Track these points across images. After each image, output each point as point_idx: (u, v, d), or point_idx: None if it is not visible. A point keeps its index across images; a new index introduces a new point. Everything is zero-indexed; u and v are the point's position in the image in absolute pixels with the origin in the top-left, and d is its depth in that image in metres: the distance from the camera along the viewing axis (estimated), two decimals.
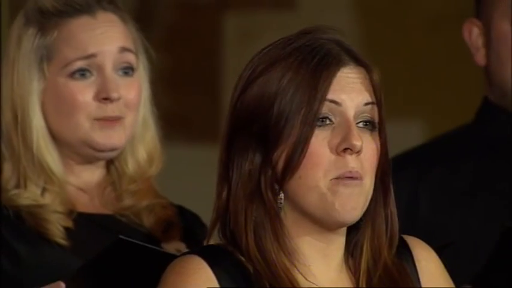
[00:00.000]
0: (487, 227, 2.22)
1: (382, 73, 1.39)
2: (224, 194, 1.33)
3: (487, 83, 2.41)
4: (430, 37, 3.89)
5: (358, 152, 1.29)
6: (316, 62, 1.30)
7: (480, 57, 2.39)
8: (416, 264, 1.38)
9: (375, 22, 4.00)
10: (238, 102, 1.33)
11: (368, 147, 1.31)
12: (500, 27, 2.33)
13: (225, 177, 1.33)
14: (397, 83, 3.58)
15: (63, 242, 1.88)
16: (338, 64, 1.31)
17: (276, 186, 1.31)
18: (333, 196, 1.29)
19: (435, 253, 1.42)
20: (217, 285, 1.27)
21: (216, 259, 1.29)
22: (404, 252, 1.38)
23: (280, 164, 1.30)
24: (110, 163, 2.01)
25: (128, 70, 1.97)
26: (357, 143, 1.28)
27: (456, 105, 3.65)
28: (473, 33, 2.39)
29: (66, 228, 1.90)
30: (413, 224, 2.27)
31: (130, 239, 1.70)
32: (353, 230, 1.35)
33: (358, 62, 1.34)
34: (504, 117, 2.37)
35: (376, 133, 1.33)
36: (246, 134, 1.31)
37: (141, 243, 1.74)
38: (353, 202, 1.29)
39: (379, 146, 1.33)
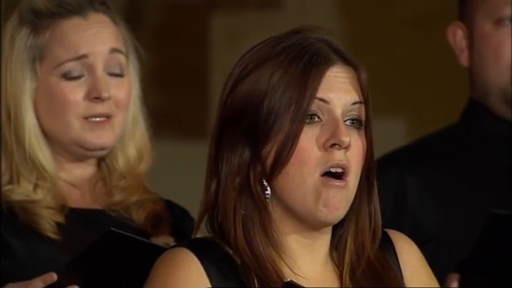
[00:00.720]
0: (471, 224, 2.21)
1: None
2: (213, 187, 1.33)
3: (471, 83, 2.43)
4: (413, 36, 3.91)
5: (347, 148, 1.29)
6: (305, 61, 1.31)
7: (464, 59, 2.40)
8: (399, 257, 1.39)
9: (358, 22, 4.01)
10: (229, 99, 1.33)
11: (355, 144, 1.31)
12: (483, 29, 2.34)
13: (214, 171, 1.33)
14: (379, 82, 3.59)
15: (54, 236, 1.89)
16: (327, 63, 1.32)
17: (264, 182, 1.31)
18: (317, 197, 1.29)
19: (417, 246, 1.42)
20: (206, 277, 1.27)
21: (204, 252, 1.29)
22: (387, 246, 1.39)
23: (269, 160, 1.30)
24: (100, 160, 2.02)
25: (118, 70, 1.98)
26: (345, 139, 1.29)
27: (438, 104, 3.66)
28: (457, 36, 2.40)
29: (58, 223, 1.90)
30: (401, 221, 2.29)
31: (121, 231, 1.70)
32: (338, 225, 1.35)
33: (346, 61, 1.34)
34: (488, 117, 2.38)
35: (362, 131, 1.34)
36: (236, 130, 1.32)
37: (132, 235, 1.75)
38: (336, 204, 1.30)
39: (365, 143, 1.34)
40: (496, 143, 2.39)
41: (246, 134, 1.31)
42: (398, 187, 2.36)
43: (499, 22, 2.33)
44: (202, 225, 1.35)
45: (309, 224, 1.32)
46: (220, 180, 1.32)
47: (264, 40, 1.36)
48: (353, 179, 1.31)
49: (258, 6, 4.02)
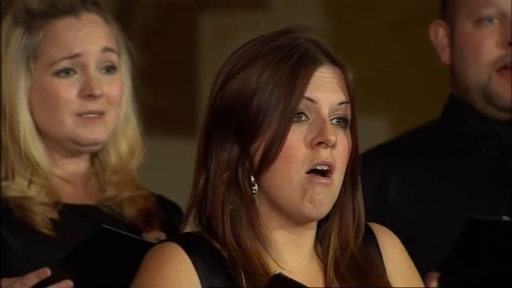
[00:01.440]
0: (451, 220, 2.23)
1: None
2: (201, 182, 1.33)
3: (452, 80, 2.43)
4: (396, 37, 3.92)
5: (333, 146, 1.30)
6: (294, 61, 1.31)
7: (446, 57, 2.40)
8: (381, 250, 1.39)
9: (343, 22, 4.01)
10: (218, 96, 1.33)
11: (341, 143, 1.32)
12: (463, 28, 2.35)
13: (203, 166, 1.33)
14: (364, 81, 3.60)
15: (48, 232, 1.88)
16: (315, 63, 1.32)
17: (252, 178, 1.31)
18: (303, 194, 1.29)
19: (399, 240, 1.43)
20: (194, 271, 1.27)
21: (192, 246, 1.29)
22: (370, 239, 1.39)
23: (257, 156, 1.30)
24: (93, 156, 2.01)
25: (110, 69, 1.98)
26: (332, 137, 1.29)
27: (421, 102, 3.68)
28: (439, 34, 2.40)
29: (52, 219, 1.90)
30: (382, 217, 2.29)
31: (113, 228, 1.71)
32: (323, 220, 1.36)
33: (334, 62, 1.34)
34: (469, 114, 2.39)
35: (348, 130, 1.34)
36: (225, 126, 1.32)
37: (124, 232, 1.76)
38: (322, 200, 1.30)
39: (350, 142, 1.34)
40: (476, 139, 2.39)
41: (235, 131, 1.31)
42: (379, 183, 2.36)
43: (478, 22, 2.33)
44: (191, 218, 1.35)
45: (294, 219, 1.32)
46: (208, 175, 1.32)
47: (253, 39, 1.36)
48: (338, 177, 1.32)
49: (246, 6, 4.02)
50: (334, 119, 1.32)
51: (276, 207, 1.32)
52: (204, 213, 1.33)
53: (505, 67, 2.32)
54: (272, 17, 3.92)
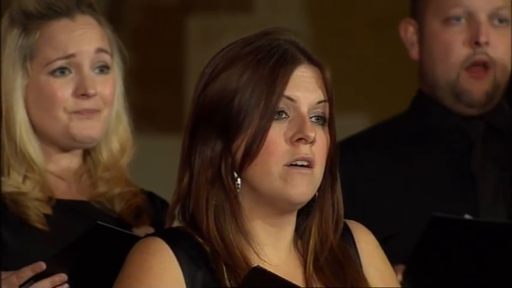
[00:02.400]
0: (416, 214, 2.23)
1: (329, 69, 1.42)
2: (186, 179, 1.34)
3: (420, 76, 2.44)
4: (374, 37, 3.94)
5: (312, 142, 1.31)
6: (274, 61, 1.32)
7: (415, 53, 2.42)
8: (357, 245, 1.41)
9: (324, 24, 4.03)
10: (201, 96, 1.34)
11: (320, 139, 1.33)
12: (432, 27, 2.37)
13: (187, 163, 1.34)
14: (343, 80, 3.62)
15: (42, 227, 1.88)
16: (294, 63, 1.33)
17: (235, 174, 1.32)
18: (285, 180, 1.30)
19: (373, 236, 1.45)
20: (177, 264, 1.28)
21: (175, 240, 1.30)
22: (347, 235, 1.41)
23: (240, 153, 1.31)
24: (86, 153, 2.01)
25: (103, 68, 1.98)
26: (311, 134, 1.30)
27: (398, 100, 3.70)
28: (409, 31, 2.42)
29: (46, 215, 1.89)
30: (352, 208, 2.29)
31: (107, 224, 1.71)
32: (302, 215, 1.37)
33: (312, 61, 1.35)
34: (435, 108, 2.40)
35: (326, 127, 1.35)
36: (208, 125, 1.32)
37: (117, 228, 1.76)
38: (303, 184, 1.31)
39: (329, 138, 1.35)
40: (443, 133, 2.40)
41: (218, 129, 1.32)
42: (348, 176, 2.37)
43: (446, 21, 2.35)
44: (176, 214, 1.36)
45: (277, 207, 1.33)
46: (193, 173, 1.33)
47: (234, 41, 1.37)
48: (318, 169, 1.33)
49: (231, 9, 4.03)
50: (313, 117, 1.33)
51: (259, 199, 1.33)
52: (188, 209, 1.34)
53: (473, 64, 2.34)
54: (256, 19, 3.92)
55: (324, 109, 1.35)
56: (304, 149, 1.31)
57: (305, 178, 1.31)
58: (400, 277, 2.02)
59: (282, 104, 1.32)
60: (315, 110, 1.34)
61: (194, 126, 1.34)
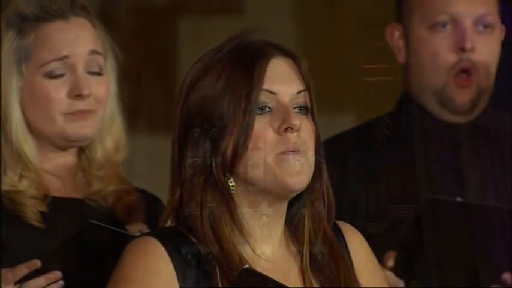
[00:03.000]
0: (395, 209, 2.26)
1: (318, 71, 1.42)
2: (178, 190, 1.34)
3: (406, 79, 2.46)
4: (361, 39, 3.95)
5: (298, 131, 1.31)
6: (247, 58, 1.33)
7: (402, 57, 2.43)
8: (349, 247, 1.42)
9: (314, 25, 4.04)
10: (184, 108, 1.34)
11: (305, 127, 1.34)
12: (418, 32, 2.38)
13: (178, 175, 1.34)
14: (332, 82, 3.63)
15: (39, 224, 1.88)
16: (267, 56, 1.33)
17: (227, 173, 1.32)
18: (280, 167, 1.31)
19: (363, 237, 1.46)
20: (171, 264, 1.29)
21: (169, 240, 1.31)
22: (338, 236, 1.41)
23: (229, 152, 1.31)
24: (80, 151, 2.02)
25: (97, 70, 1.99)
26: (296, 122, 1.31)
27: (384, 102, 3.72)
28: (395, 36, 2.43)
29: (42, 212, 1.90)
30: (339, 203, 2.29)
31: (100, 223, 1.72)
32: (293, 208, 1.38)
33: (284, 53, 1.36)
34: (421, 115, 2.40)
35: (309, 116, 1.36)
36: (195, 133, 1.33)
37: (110, 226, 1.77)
38: (299, 168, 1.31)
39: (314, 126, 1.36)
40: (426, 133, 2.41)
41: (205, 135, 1.32)
42: (338, 173, 2.36)
43: (432, 27, 2.36)
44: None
45: (273, 195, 1.33)
46: (184, 182, 1.33)
47: (206, 51, 1.37)
48: (311, 154, 1.34)
49: (221, 11, 4.04)
50: (295, 107, 1.34)
51: (254, 192, 1.33)
52: (182, 215, 1.34)
53: (461, 71, 2.34)
54: (246, 21, 3.93)
55: (304, 99, 1.35)
56: (292, 138, 1.31)
57: (299, 159, 1.31)
58: (392, 263, 2.04)
59: (263, 99, 1.32)
60: (296, 101, 1.34)
61: (181, 138, 1.34)
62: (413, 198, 2.27)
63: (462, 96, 2.36)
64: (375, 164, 2.40)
